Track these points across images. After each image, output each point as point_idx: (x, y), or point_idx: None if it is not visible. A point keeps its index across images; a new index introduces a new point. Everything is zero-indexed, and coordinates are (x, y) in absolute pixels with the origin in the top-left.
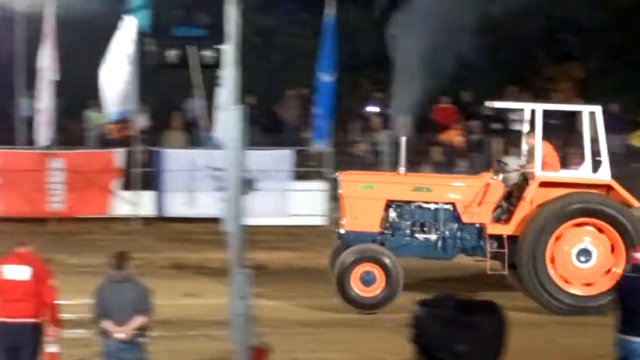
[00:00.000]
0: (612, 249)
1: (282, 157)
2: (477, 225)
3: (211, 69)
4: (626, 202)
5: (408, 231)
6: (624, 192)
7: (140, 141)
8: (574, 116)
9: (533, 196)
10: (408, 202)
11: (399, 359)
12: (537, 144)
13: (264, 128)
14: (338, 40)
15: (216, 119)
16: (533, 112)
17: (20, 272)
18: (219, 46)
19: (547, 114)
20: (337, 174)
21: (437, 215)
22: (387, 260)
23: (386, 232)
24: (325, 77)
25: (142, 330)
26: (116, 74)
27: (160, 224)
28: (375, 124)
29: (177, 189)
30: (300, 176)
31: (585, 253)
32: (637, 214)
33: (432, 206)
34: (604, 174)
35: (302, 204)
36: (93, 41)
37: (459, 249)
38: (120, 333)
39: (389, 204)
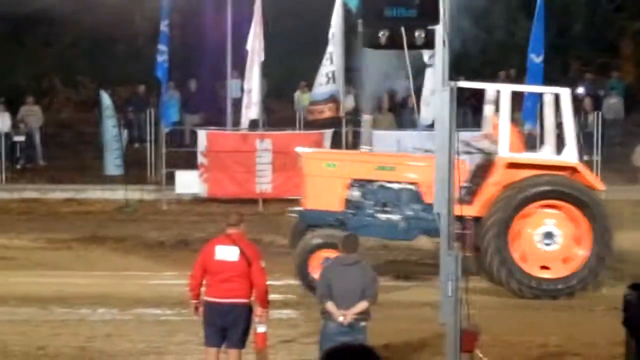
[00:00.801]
0: (578, 232)
1: None
2: None
3: (421, 50)
4: (591, 185)
5: (370, 211)
6: (589, 174)
7: (348, 122)
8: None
9: (499, 177)
10: (371, 182)
11: (610, 342)
12: (503, 125)
13: (474, 109)
14: (547, 20)
15: (425, 100)
16: (498, 92)
17: (230, 253)
18: (430, 27)
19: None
20: (297, 150)
21: (400, 195)
22: None
23: (348, 211)
24: (536, 58)
25: (364, 314)
26: (327, 55)
27: None
28: (585, 105)
29: None
30: None
31: (549, 236)
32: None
33: (395, 186)
34: (571, 157)
35: None
36: (301, 22)
37: (420, 230)
38: (341, 316)
39: (352, 183)
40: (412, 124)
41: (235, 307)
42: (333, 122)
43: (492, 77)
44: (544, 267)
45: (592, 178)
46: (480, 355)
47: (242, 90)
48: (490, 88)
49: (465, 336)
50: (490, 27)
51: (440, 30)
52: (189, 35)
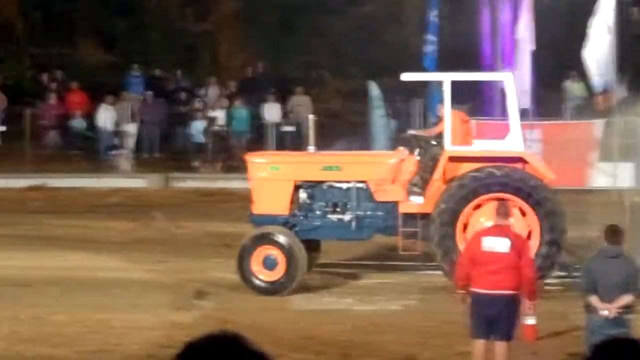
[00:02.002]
0: (527, 222)
1: None
2: (391, 203)
3: None
4: (540, 174)
5: (320, 212)
6: (538, 163)
7: (619, 112)
8: None
9: (444, 171)
10: (318, 182)
11: None
12: (446, 116)
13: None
14: None
15: None
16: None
17: (499, 245)
18: None
19: None
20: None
21: (349, 195)
22: (284, 242)
23: (298, 214)
24: None
25: (629, 307)
26: (598, 44)
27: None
28: None
29: None
30: None
31: None
32: None
33: (344, 185)
34: (516, 146)
35: None
36: (571, 10)
37: (374, 229)
38: (606, 310)
39: (298, 185)
40: None
41: (503, 298)
42: (607, 112)
43: None
44: None
45: (541, 167)
46: None
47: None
48: (432, 78)
49: None
50: None
51: None
52: (457, 25)
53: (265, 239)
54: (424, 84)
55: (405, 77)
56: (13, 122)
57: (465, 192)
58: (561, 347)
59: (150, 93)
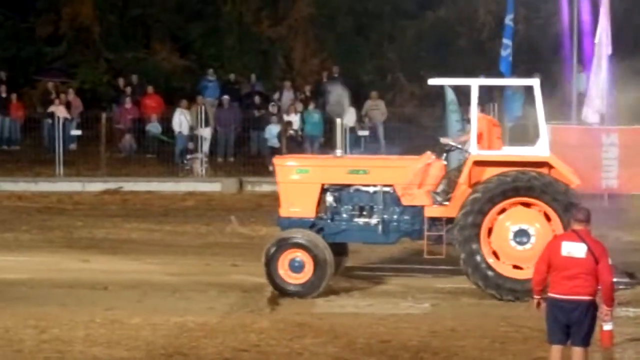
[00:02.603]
0: (553, 228)
1: None
2: (418, 207)
3: None
4: (566, 179)
5: (346, 216)
6: (564, 168)
7: None
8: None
9: (469, 176)
10: (345, 186)
11: None
12: (472, 121)
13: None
14: None
15: None
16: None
17: (577, 249)
18: None
19: None
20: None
21: (376, 199)
22: (308, 243)
23: (324, 217)
24: None
25: None
26: None
27: None
28: None
29: None
30: None
31: (522, 235)
32: None
33: (371, 189)
34: (543, 151)
35: None
36: None
37: (401, 233)
38: None
39: (325, 188)
40: None
41: (580, 304)
42: None
43: None
44: (517, 267)
45: (567, 171)
46: None
47: (588, 84)
48: (459, 83)
49: None
50: None
51: None
52: (533, 28)
53: (289, 242)
54: (500, 88)
55: (432, 81)
56: (89, 126)
57: (480, 204)
58: (639, 354)
59: (225, 97)
